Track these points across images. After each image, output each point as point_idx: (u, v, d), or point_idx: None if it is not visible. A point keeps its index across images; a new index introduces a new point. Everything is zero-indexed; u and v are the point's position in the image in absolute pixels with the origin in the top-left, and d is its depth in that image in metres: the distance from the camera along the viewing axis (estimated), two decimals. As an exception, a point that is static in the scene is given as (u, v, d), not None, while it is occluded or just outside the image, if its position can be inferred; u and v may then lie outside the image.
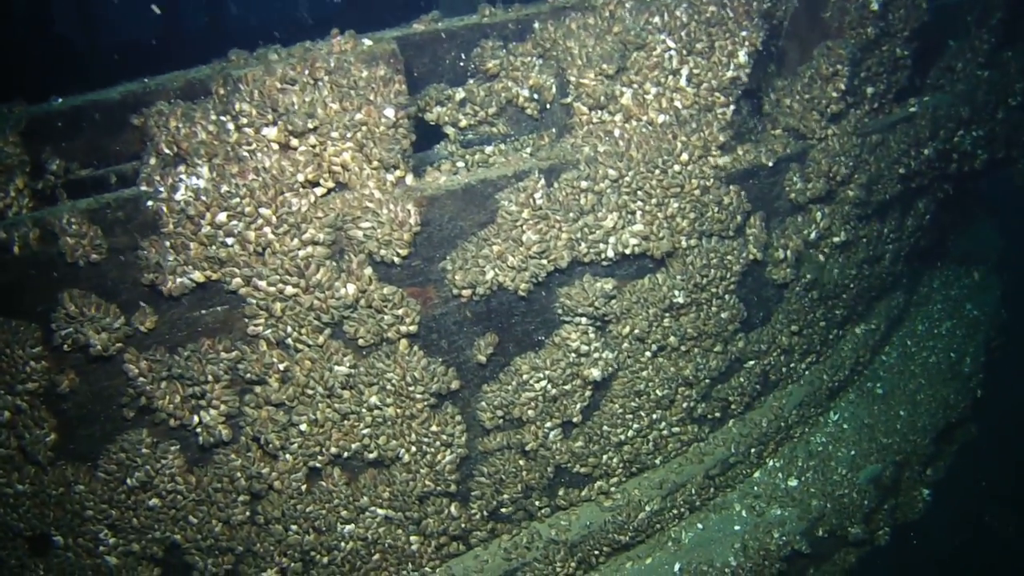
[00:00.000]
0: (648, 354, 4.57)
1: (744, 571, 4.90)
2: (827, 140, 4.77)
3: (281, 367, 3.88)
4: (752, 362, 5.14)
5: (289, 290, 3.73)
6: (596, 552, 4.87)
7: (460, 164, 4.40)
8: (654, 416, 4.79)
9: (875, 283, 5.95)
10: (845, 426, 5.82)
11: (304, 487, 4.15)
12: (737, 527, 5.16)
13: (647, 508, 4.91)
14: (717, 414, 5.15)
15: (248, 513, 4.15)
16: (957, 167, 5.91)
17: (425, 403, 4.13)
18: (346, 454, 4.13)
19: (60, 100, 3.97)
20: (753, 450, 5.32)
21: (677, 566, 4.97)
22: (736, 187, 4.46)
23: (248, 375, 3.85)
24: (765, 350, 5.16)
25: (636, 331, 4.43)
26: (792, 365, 5.48)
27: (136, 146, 3.82)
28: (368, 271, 3.80)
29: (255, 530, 4.19)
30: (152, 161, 3.58)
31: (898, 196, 5.55)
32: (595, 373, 4.42)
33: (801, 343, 5.43)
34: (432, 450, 4.27)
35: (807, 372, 5.70)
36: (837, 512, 5.24)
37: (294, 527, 4.22)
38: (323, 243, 3.71)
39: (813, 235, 4.96)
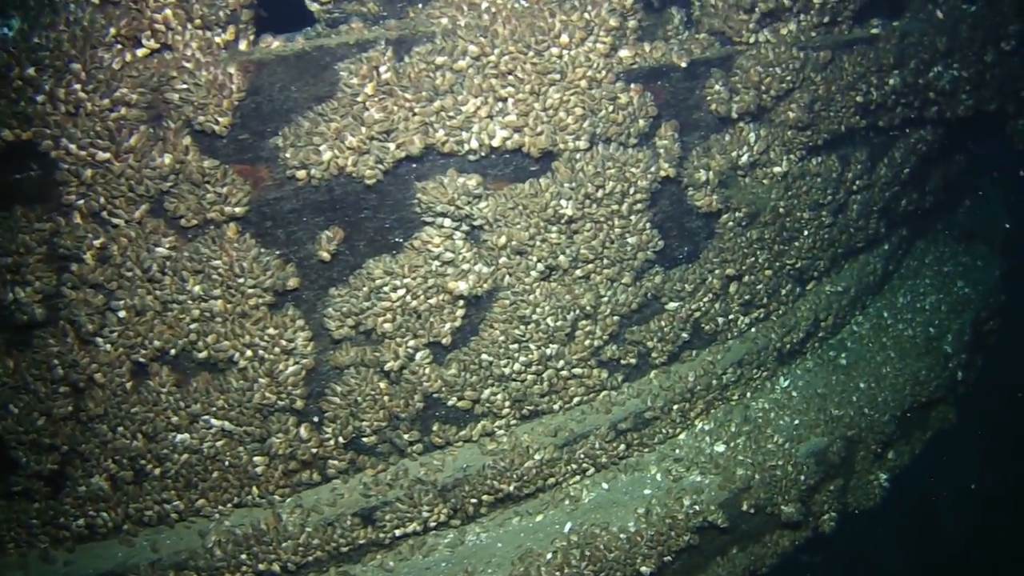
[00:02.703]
0: (533, 273, 4.04)
1: (643, 538, 4.28)
2: (759, 47, 4.17)
3: (97, 243, 3.53)
4: (675, 304, 4.53)
5: (100, 155, 3.39)
6: (473, 500, 4.32)
7: (328, 46, 3.97)
8: (547, 351, 4.24)
9: (839, 237, 5.24)
10: (794, 394, 5.11)
11: (129, 384, 3.77)
12: (648, 491, 4.53)
13: (536, 456, 4.34)
14: (632, 360, 4.55)
15: (71, 408, 3.78)
16: (937, 111, 5.15)
17: (259, 300, 3.72)
18: (173, 351, 3.74)
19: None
20: (676, 407, 4.69)
21: (568, 525, 4.38)
22: (639, 86, 3.90)
23: (63, 250, 3.51)
24: (692, 291, 4.54)
25: (514, 243, 3.91)
26: (731, 317, 4.82)
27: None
28: (186, 140, 3.44)
29: (79, 428, 3.83)
30: (-28, 15, 3.33)
31: (860, 133, 4.86)
32: (462, 287, 3.91)
33: (741, 291, 4.77)
34: (271, 356, 3.84)
35: (752, 329, 5.02)
36: (767, 485, 4.56)
37: (120, 429, 3.85)
38: (136, 105, 3.36)
39: (744, 158, 4.34)
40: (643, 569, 4.34)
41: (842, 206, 5.08)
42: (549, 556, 4.21)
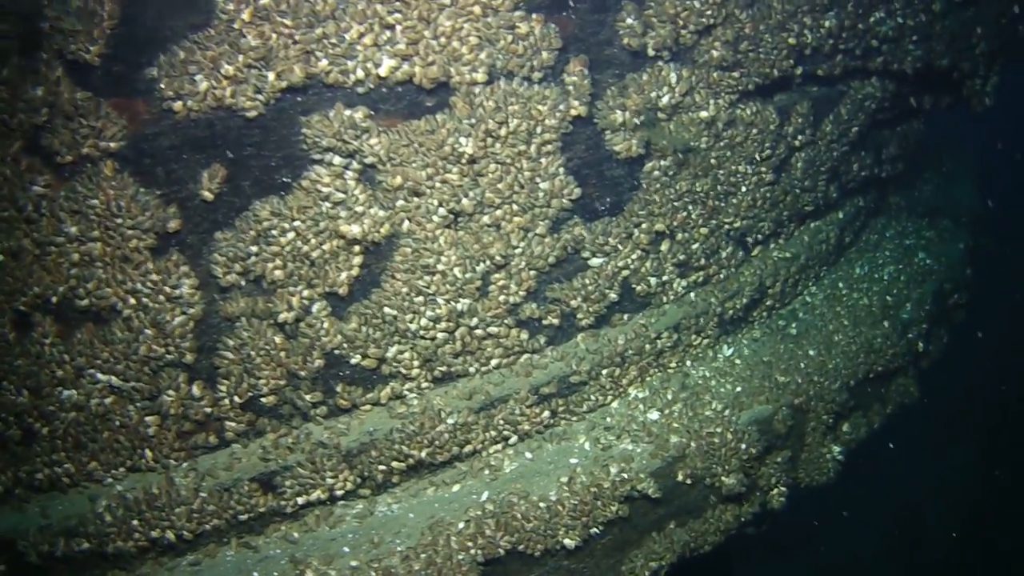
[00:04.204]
0: (435, 218, 3.82)
1: (564, 508, 3.98)
2: (674, -21, 3.97)
3: (-29, 183, 3.40)
4: (599, 260, 4.28)
5: (-29, 90, 3.27)
6: (383, 467, 4.06)
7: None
8: (457, 306, 4.00)
9: (784, 198, 4.96)
10: (737, 362, 4.80)
11: (12, 335, 3.61)
12: (574, 460, 4.24)
13: (448, 420, 4.08)
14: (554, 321, 4.29)
15: (-46, 362, 3.63)
16: (883, 62, 4.89)
17: (140, 243, 3.54)
18: (54, 298, 3.57)
19: None
20: (605, 372, 4.41)
21: (485, 495, 4.10)
22: (540, 16, 3.72)
23: (-67, 191, 3.38)
24: (616, 246, 4.29)
25: (410, 183, 3.71)
26: (665, 278, 4.55)
27: None
28: (58, 72, 3.31)
29: (-37, 384, 3.67)
30: None
31: (797, 81, 4.62)
32: (354, 230, 3.72)
33: (675, 250, 4.51)
34: (156, 305, 3.65)
35: (691, 294, 4.74)
36: (703, 453, 4.24)
37: (5, 383, 3.67)
38: (4, 35, 3.25)
39: (665, 100, 4.12)
40: (566, 541, 4.04)
41: (784, 163, 4.81)
42: (461, 526, 3.93)
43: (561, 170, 3.98)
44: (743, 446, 4.33)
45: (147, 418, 3.88)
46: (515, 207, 3.94)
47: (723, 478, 4.33)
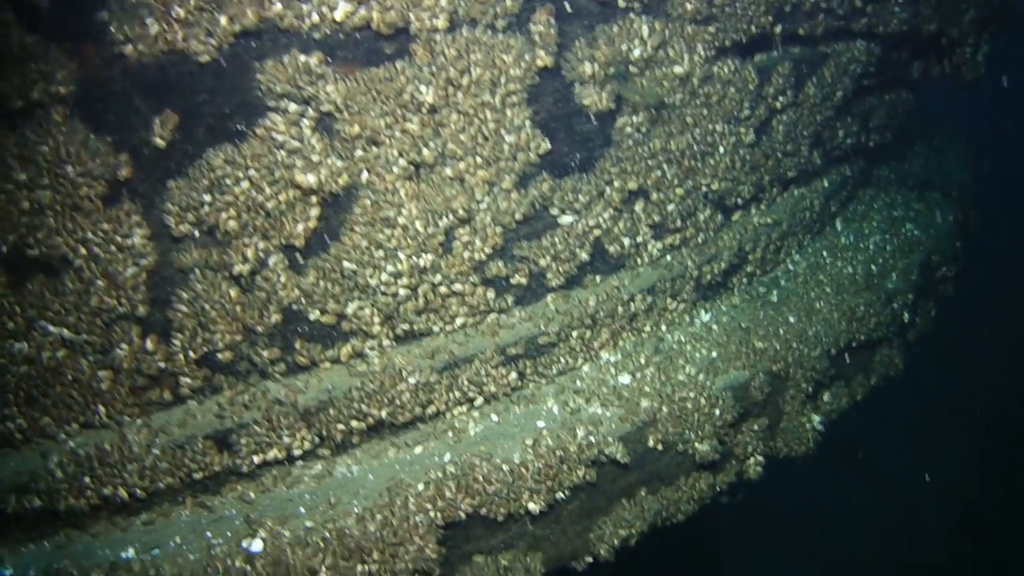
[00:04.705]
0: (395, 169, 3.72)
1: (528, 470, 3.86)
2: (644, -72, 3.86)
3: (-82, 130, 3.32)
4: (569, 218, 4.16)
5: (-85, 31, 3.20)
6: (341, 426, 3.96)
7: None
8: (420, 261, 3.90)
9: (764, 161, 4.82)
10: (714, 327, 4.66)
11: (-38, 287, 3.53)
12: (541, 423, 4.12)
13: (410, 379, 3.97)
14: (522, 280, 4.18)
15: (-96, 316, 3.56)
16: (867, 23, 4.74)
17: (90, 190, 3.46)
18: (4, 247, 3.50)
19: None
20: (575, 334, 4.29)
21: (447, 456, 3.99)
22: (503, -38, 3.61)
23: None
24: (587, 204, 4.17)
25: (368, 132, 3.61)
26: (639, 239, 4.43)
27: None
28: (7, 15, 3.23)
29: (-86, 335, 3.60)
30: None
31: (777, 39, 4.48)
32: (309, 180, 3.62)
33: (649, 211, 4.39)
34: (107, 255, 3.57)
35: (667, 256, 4.61)
36: (676, 419, 4.11)
37: (-44, 336, 3.59)
38: (-50, -23, 3.17)
39: (637, 53, 4.00)
40: (531, 505, 3.92)
41: (765, 125, 4.67)
42: (421, 487, 3.81)
43: (527, 123, 3.87)
44: (717, 412, 4.20)
45: (100, 372, 3.79)
46: (479, 160, 3.84)
47: (696, 444, 4.20)
